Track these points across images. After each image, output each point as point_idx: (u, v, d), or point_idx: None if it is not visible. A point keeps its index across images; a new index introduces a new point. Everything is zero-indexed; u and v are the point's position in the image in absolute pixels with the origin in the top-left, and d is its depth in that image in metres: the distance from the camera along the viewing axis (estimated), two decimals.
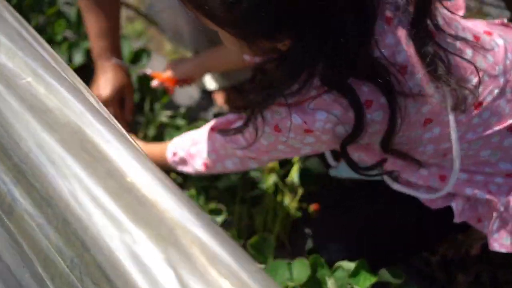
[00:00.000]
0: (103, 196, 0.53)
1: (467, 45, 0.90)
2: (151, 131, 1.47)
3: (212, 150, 1.08)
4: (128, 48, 1.54)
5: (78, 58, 1.62)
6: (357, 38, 0.79)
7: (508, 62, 0.94)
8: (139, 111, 1.54)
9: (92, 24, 1.35)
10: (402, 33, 0.84)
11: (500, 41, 0.96)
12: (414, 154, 0.97)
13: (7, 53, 0.73)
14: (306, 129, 0.87)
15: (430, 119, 0.90)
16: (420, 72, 0.85)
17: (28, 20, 1.66)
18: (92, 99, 0.70)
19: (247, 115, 0.93)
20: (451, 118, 0.90)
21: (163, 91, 1.51)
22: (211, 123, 1.10)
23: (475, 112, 0.91)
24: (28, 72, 0.69)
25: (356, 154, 0.99)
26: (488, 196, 0.97)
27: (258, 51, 0.83)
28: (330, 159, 1.17)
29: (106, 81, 1.36)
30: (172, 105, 1.64)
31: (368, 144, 0.94)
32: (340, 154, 0.94)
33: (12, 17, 0.84)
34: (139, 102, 1.54)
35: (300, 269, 1.03)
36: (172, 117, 1.52)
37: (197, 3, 0.77)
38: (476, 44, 0.92)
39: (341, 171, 1.17)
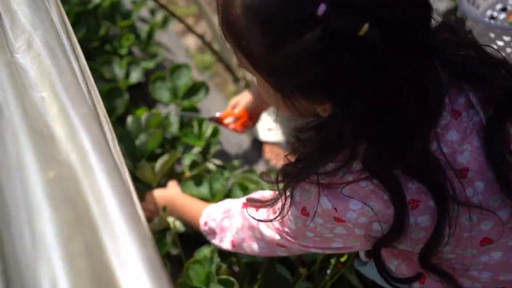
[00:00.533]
0: None
1: None
2: (194, 172, 1.33)
3: (242, 227, 0.97)
4: (187, 77, 1.45)
5: (135, 76, 1.54)
6: (413, 125, 0.66)
7: None
8: (187, 151, 1.42)
9: None
10: (470, 131, 0.71)
11: None
12: (463, 278, 0.80)
13: (35, 58, 0.63)
14: (336, 217, 0.73)
15: (489, 239, 0.75)
16: (484, 180, 0.72)
17: (98, 26, 1.61)
18: (106, 128, 0.58)
19: (279, 189, 0.79)
20: None
21: (214, 132, 1.38)
22: (243, 199, 0.98)
23: None
24: (47, 85, 0.58)
25: (396, 261, 0.85)
26: None
27: (293, 109, 0.69)
28: (362, 253, 1.01)
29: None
30: (221, 152, 1.51)
31: (411, 253, 0.78)
32: (372, 256, 0.79)
33: (60, 23, 0.74)
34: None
35: None
36: (220, 167, 1.38)
37: (237, 35, 0.65)
38: None
39: (368, 270, 1.02)
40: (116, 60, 1.54)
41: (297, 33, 0.58)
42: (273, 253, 0.93)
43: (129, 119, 1.36)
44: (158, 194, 1.24)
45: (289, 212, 0.81)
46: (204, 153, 1.41)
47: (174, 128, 1.41)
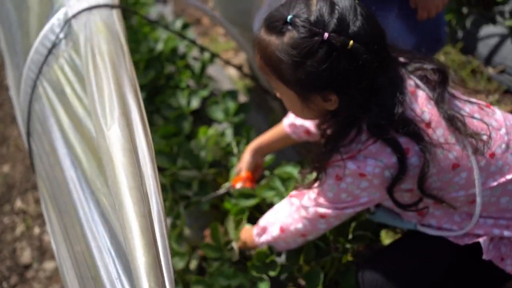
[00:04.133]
0: None
1: (476, 109, 1.12)
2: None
3: (289, 214, 1.25)
4: (235, 100, 1.84)
5: (195, 103, 1.95)
6: (389, 101, 1.03)
7: (508, 124, 1.14)
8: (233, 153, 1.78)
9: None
10: (423, 100, 1.08)
11: (497, 110, 1.16)
12: (449, 200, 1.13)
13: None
14: (360, 173, 1.07)
15: (457, 164, 1.07)
16: (442, 127, 1.06)
17: (163, 67, 2.04)
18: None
19: (316, 171, 1.15)
20: (473, 161, 1.07)
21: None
22: (287, 197, 1.30)
23: (491, 160, 1.09)
24: None
25: (404, 197, 1.16)
26: None
27: (311, 109, 1.07)
28: (372, 207, 1.34)
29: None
30: None
31: (412, 190, 1.12)
32: (388, 194, 1.11)
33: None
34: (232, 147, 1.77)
35: None
36: None
37: (272, 64, 1.03)
38: (483, 108, 1.13)
39: (378, 216, 1.33)
40: (179, 92, 1.95)
41: (313, 52, 0.97)
42: (315, 227, 1.22)
43: (193, 143, 1.72)
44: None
45: (325, 185, 1.14)
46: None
47: (227, 141, 1.79)
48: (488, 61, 2.14)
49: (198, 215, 1.59)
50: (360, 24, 0.97)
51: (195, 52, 2.26)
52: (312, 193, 1.20)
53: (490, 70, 2.13)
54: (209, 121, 1.96)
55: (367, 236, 1.37)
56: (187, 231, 1.57)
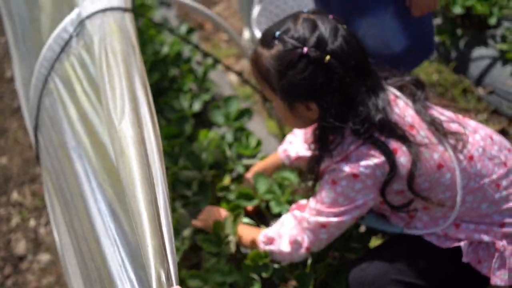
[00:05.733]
0: None
1: (452, 115, 1.24)
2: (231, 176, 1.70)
3: (294, 226, 1.27)
4: (236, 106, 1.87)
5: (197, 106, 1.98)
6: (372, 109, 1.12)
7: (482, 132, 1.24)
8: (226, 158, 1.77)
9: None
10: (404, 106, 1.19)
11: (470, 120, 1.28)
12: (437, 202, 1.19)
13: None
14: (353, 173, 1.14)
15: (441, 164, 1.16)
16: (424, 129, 1.17)
17: (167, 70, 2.07)
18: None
19: (312, 179, 1.22)
20: (455, 161, 1.16)
21: (257, 143, 1.77)
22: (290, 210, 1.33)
23: (471, 162, 1.18)
24: None
25: (396, 199, 1.21)
26: (492, 239, 1.18)
27: (296, 115, 1.17)
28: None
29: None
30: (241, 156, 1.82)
31: (403, 192, 1.18)
32: (381, 196, 1.18)
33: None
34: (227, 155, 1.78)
35: None
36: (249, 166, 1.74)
37: (263, 73, 1.16)
38: (458, 116, 1.26)
39: (368, 221, 1.37)
40: (182, 95, 1.98)
41: (293, 65, 1.10)
42: (317, 238, 1.24)
43: (195, 145, 1.74)
44: (216, 210, 1.52)
45: (323, 191, 1.19)
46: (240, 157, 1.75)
47: (226, 146, 1.80)
48: (478, 81, 2.20)
49: (196, 215, 1.61)
50: (339, 43, 1.10)
51: (197, 57, 2.29)
52: (311, 203, 1.24)
53: (480, 90, 2.18)
54: (210, 124, 1.98)
55: (359, 248, 1.40)
56: (186, 232, 1.59)
